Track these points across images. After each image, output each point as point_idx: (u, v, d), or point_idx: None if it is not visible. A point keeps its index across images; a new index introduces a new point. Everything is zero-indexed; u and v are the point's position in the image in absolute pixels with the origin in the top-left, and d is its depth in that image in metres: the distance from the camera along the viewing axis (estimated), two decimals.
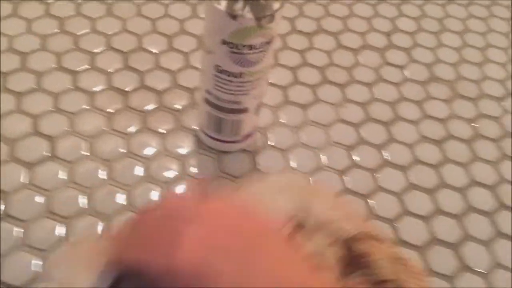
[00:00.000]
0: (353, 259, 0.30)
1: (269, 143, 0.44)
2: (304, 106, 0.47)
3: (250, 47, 0.32)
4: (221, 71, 0.34)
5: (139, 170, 0.40)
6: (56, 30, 0.48)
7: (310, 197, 0.31)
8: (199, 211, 0.24)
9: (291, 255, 0.24)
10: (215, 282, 0.21)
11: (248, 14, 0.30)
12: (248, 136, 0.41)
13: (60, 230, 0.36)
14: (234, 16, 0.30)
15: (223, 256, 0.22)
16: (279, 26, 0.32)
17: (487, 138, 0.48)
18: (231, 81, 0.34)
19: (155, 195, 0.39)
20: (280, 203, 0.30)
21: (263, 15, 0.30)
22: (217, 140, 0.41)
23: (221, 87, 0.35)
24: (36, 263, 0.34)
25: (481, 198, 0.43)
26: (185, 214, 0.23)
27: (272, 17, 0.31)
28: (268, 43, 0.32)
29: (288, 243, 0.25)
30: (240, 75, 0.34)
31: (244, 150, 0.43)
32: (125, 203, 0.38)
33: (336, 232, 0.30)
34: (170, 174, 0.40)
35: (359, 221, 0.33)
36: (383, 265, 0.30)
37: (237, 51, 0.32)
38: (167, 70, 0.47)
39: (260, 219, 0.25)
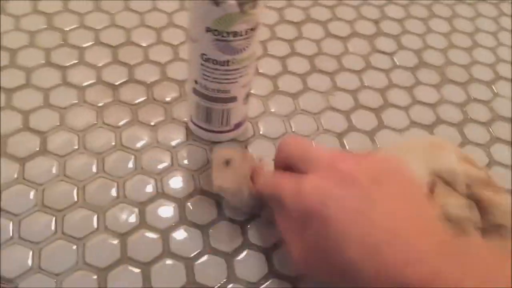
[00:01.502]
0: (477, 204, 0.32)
1: (259, 132, 0.44)
2: (293, 95, 0.47)
3: (235, 34, 0.32)
4: (207, 60, 0.34)
5: (131, 163, 0.40)
6: (44, 26, 0.48)
7: (437, 156, 0.33)
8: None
9: (424, 209, 0.27)
10: (335, 205, 0.26)
11: (231, 0, 0.30)
12: (238, 125, 0.41)
13: (53, 223, 0.36)
14: (217, 3, 0.30)
15: (343, 188, 0.27)
16: (264, 13, 0.33)
17: (477, 121, 0.48)
18: (217, 69, 0.35)
19: (148, 187, 0.39)
20: (413, 166, 0.31)
21: (246, 1, 0.30)
22: (207, 130, 0.41)
23: (208, 76, 0.35)
24: (29, 256, 0.34)
25: None
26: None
27: (255, 3, 0.31)
28: (253, 29, 0.33)
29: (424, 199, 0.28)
30: (226, 63, 0.34)
31: (235, 140, 0.43)
32: (118, 195, 0.38)
33: (466, 183, 0.32)
34: (162, 165, 0.40)
35: (481, 171, 0.34)
36: (503, 211, 0.31)
37: (221, 39, 0.32)
38: (156, 63, 0.47)
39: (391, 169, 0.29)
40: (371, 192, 0.26)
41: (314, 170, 0.29)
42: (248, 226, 0.38)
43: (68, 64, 0.46)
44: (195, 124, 0.41)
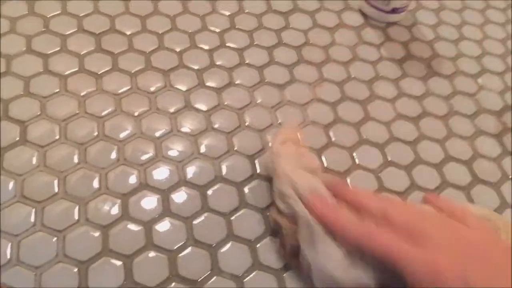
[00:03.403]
0: None
1: (246, 124, 0.43)
2: (280, 86, 0.46)
3: None
4: None
5: (114, 153, 0.40)
6: (25, 13, 0.47)
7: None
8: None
9: None
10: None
11: None
12: (396, 10, 0.51)
13: (33, 214, 0.35)
14: None
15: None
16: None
17: (462, 114, 0.48)
18: None
19: (131, 178, 0.38)
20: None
21: None
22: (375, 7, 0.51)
23: None
24: (8, 248, 0.33)
25: (456, 173, 0.44)
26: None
27: None
28: None
29: None
30: None
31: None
32: (100, 186, 0.37)
33: None
34: (145, 156, 0.40)
35: None
36: None
37: None
38: (141, 52, 0.46)
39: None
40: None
41: (435, 243, 0.27)
42: (233, 218, 0.37)
43: (49, 52, 0.45)
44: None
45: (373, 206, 0.30)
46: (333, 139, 0.44)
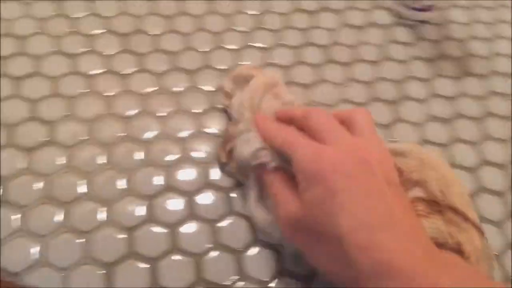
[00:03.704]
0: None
1: None
2: (307, 86, 0.45)
3: None
4: None
5: (139, 154, 0.39)
6: (53, 13, 0.47)
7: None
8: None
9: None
10: (347, 184, 0.28)
11: None
12: (425, 9, 0.50)
13: (59, 216, 0.35)
14: None
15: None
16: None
17: (497, 116, 0.46)
18: None
19: (156, 179, 0.38)
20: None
21: None
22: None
23: None
24: (35, 250, 0.33)
25: (492, 177, 0.42)
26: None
27: None
28: None
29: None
30: None
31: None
32: (125, 187, 0.37)
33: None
34: (170, 157, 0.39)
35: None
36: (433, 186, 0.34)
37: None
38: (167, 52, 0.46)
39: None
40: (378, 183, 0.29)
41: (332, 143, 0.31)
42: None
43: (77, 52, 0.45)
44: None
45: (299, 114, 0.34)
46: None
